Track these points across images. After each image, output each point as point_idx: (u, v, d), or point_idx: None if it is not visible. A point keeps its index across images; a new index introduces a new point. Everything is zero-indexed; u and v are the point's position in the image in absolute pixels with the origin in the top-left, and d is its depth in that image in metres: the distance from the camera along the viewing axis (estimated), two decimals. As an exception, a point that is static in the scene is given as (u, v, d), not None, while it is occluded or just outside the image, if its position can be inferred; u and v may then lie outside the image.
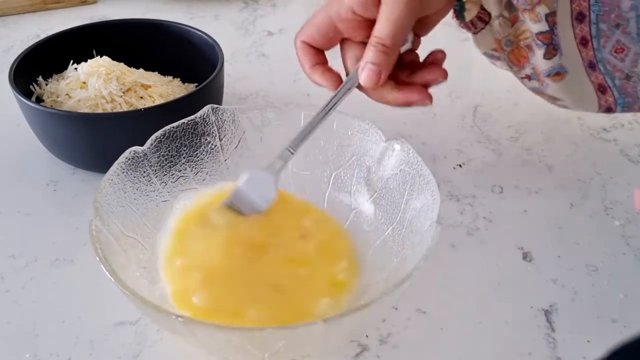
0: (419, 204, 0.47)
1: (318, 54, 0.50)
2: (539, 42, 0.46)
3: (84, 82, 0.61)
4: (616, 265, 0.51)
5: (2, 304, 0.48)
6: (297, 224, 0.51)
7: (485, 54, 0.53)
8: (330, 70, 0.49)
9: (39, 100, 0.63)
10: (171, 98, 0.62)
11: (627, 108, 0.50)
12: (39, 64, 0.64)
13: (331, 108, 0.48)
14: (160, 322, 0.41)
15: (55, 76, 0.66)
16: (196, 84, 0.68)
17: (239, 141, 0.54)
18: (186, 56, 0.68)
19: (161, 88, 0.64)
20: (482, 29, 0.51)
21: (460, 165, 0.61)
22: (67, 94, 0.61)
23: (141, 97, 0.62)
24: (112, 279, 0.39)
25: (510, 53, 0.50)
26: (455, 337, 0.46)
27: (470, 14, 0.51)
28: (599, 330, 0.46)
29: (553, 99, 0.51)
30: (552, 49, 0.47)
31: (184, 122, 0.52)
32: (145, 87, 0.63)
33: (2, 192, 0.59)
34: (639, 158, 0.63)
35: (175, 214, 0.51)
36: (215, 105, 0.53)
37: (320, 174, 0.54)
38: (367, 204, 0.53)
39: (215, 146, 0.53)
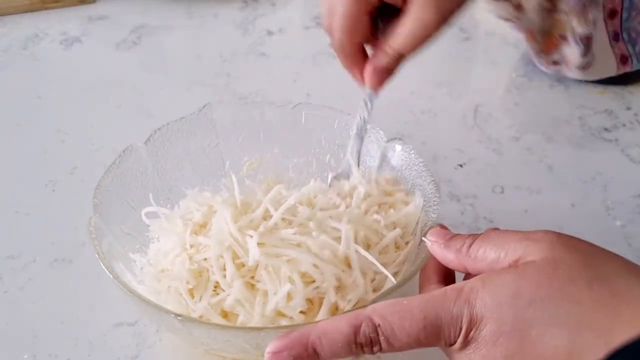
0: (419, 204, 0.47)
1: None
2: (579, 42, 0.46)
3: None
4: (618, 266, 0.51)
5: (1, 304, 0.48)
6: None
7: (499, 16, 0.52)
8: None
9: None
10: None
11: None
12: None
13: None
14: (160, 322, 0.41)
15: None
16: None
17: (239, 140, 0.54)
18: None
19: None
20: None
21: (461, 165, 0.61)
22: None
23: None
24: (111, 276, 0.39)
25: (542, 43, 0.49)
26: (456, 337, 0.46)
27: None
28: (601, 331, 0.46)
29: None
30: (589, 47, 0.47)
31: (183, 120, 0.51)
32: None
33: (1, 192, 0.59)
34: (640, 158, 0.62)
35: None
36: (215, 104, 0.53)
37: (320, 174, 0.54)
38: (367, 204, 0.53)
39: (214, 145, 0.53)
